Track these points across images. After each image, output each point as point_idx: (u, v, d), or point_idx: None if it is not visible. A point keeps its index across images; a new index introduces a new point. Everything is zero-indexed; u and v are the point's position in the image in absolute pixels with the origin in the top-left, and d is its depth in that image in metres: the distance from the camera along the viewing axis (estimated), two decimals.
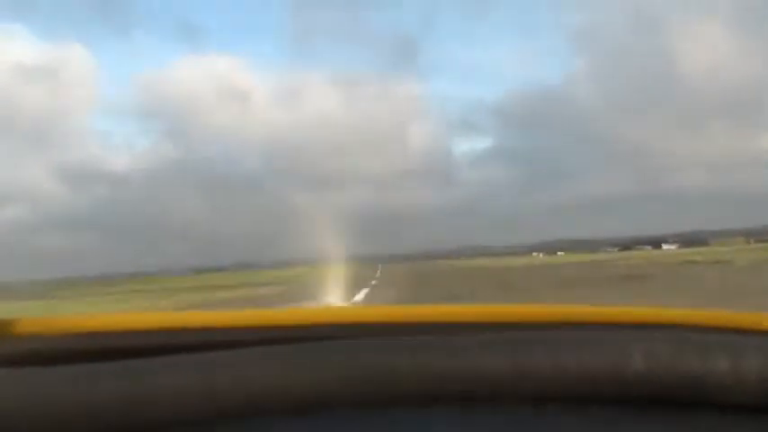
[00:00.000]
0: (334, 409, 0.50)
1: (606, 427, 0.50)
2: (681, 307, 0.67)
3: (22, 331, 0.65)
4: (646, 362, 0.49)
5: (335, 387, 0.49)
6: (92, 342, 0.64)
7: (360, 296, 14.84)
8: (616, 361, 0.49)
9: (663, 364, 0.49)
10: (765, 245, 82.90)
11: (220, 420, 0.48)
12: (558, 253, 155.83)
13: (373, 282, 23.50)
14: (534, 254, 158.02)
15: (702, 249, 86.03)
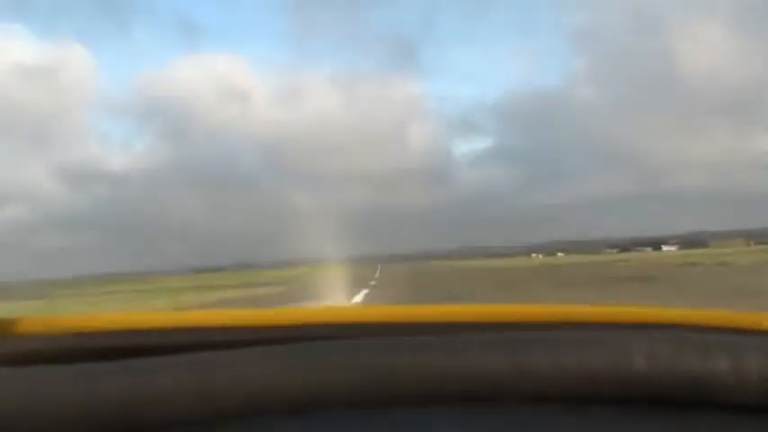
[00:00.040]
0: (333, 409, 0.50)
1: (607, 427, 0.50)
2: (681, 307, 0.67)
3: (23, 331, 0.65)
4: (646, 362, 0.49)
5: (335, 387, 0.49)
6: (92, 342, 0.64)
7: (358, 297, 14.77)
8: (616, 361, 0.49)
9: (663, 363, 0.49)
10: (766, 247, 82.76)
11: (220, 420, 0.48)
12: (558, 254, 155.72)
13: (372, 282, 23.41)
14: (533, 255, 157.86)
15: (703, 251, 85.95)
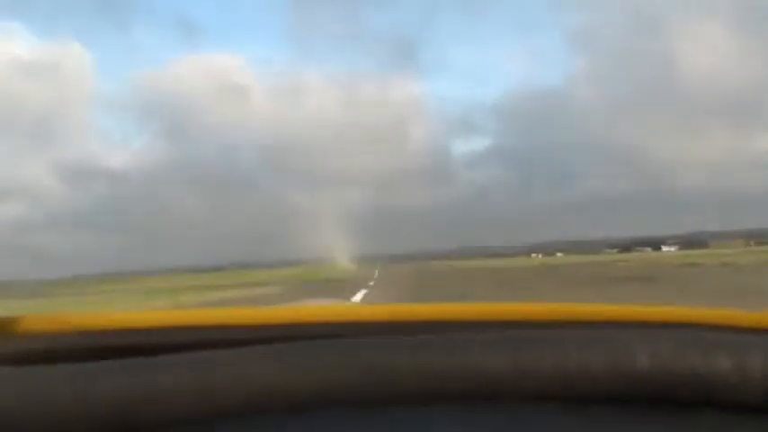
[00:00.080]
0: (333, 407, 0.50)
1: (609, 426, 0.50)
2: (684, 306, 0.67)
3: (24, 330, 0.65)
4: (648, 361, 0.49)
5: (335, 386, 0.49)
6: (92, 340, 0.64)
7: (357, 297, 14.69)
8: (618, 360, 0.49)
9: (665, 362, 0.49)
10: (767, 248, 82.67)
11: (220, 419, 0.48)
12: (557, 254, 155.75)
13: (371, 282, 23.34)
14: (533, 255, 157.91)
15: (703, 251, 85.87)
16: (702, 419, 0.50)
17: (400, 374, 0.49)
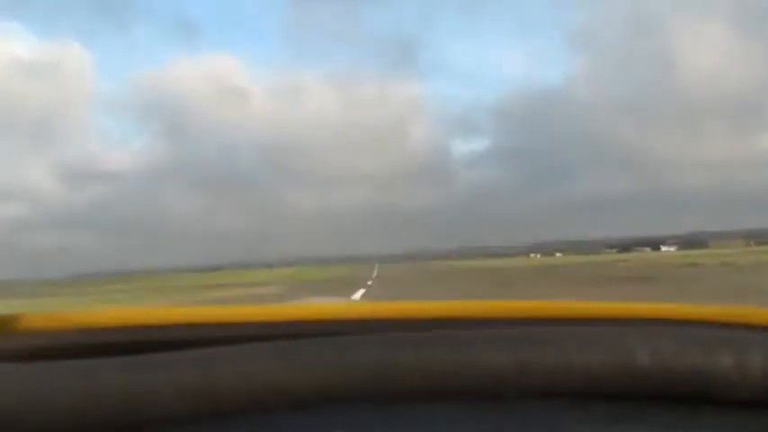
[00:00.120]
0: (336, 405, 0.50)
1: (610, 422, 0.50)
2: (684, 303, 0.67)
3: (26, 327, 0.65)
4: (649, 357, 0.49)
5: (338, 383, 0.49)
6: (95, 337, 0.64)
7: (356, 296, 14.57)
8: (620, 357, 0.49)
9: (666, 359, 0.49)
10: (767, 248, 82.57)
11: (221, 416, 0.49)
12: (556, 254, 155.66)
13: (369, 282, 23.23)
14: (532, 255, 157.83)
15: (703, 251, 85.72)
16: (703, 416, 0.50)
17: (403, 372, 0.49)
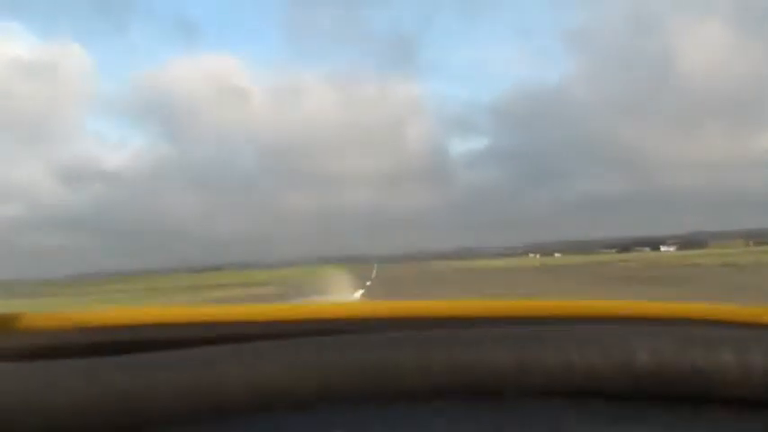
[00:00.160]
0: (338, 403, 0.50)
1: (611, 421, 0.50)
2: (685, 301, 0.67)
3: (27, 326, 0.65)
4: (650, 356, 0.49)
5: (340, 382, 0.49)
6: (95, 336, 0.64)
7: (355, 296, 14.40)
8: (621, 356, 0.49)
9: (667, 358, 0.49)
10: (766, 248, 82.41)
11: (224, 415, 0.48)
12: (555, 254, 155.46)
13: (368, 283, 23.08)
14: (531, 255, 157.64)
15: (704, 251, 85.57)
16: (704, 415, 0.50)
17: (403, 371, 0.49)
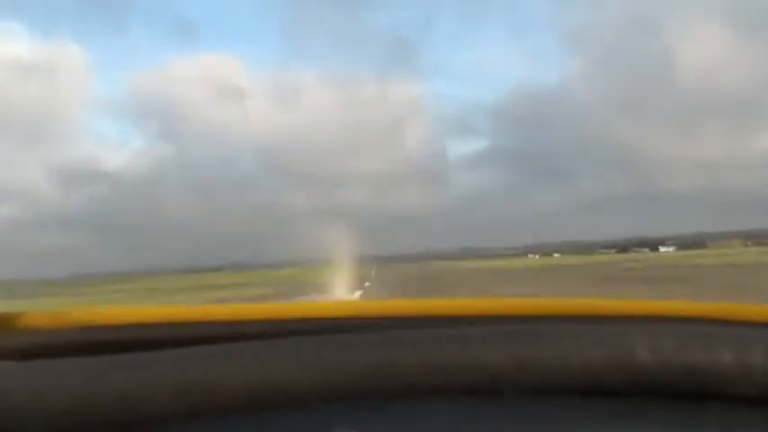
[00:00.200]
0: (337, 402, 0.50)
1: (610, 420, 0.50)
2: (684, 299, 0.68)
3: (27, 325, 0.65)
4: (649, 354, 0.49)
5: (337, 380, 0.49)
6: (95, 335, 0.64)
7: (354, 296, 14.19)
8: (619, 354, 0.49)
9: (666, 356, 0.49)
10: (766, 248, 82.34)
11: (221, 414, 0.49)
12: (555, 255, 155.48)
13: (367, 284, 22.89)
14: (530, 255, 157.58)
15: (704, 251, 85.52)
16: (703, 413, 0.50)
17: (402, 369, 0.49)
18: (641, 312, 0.64)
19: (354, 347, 0.50)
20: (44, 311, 0.67)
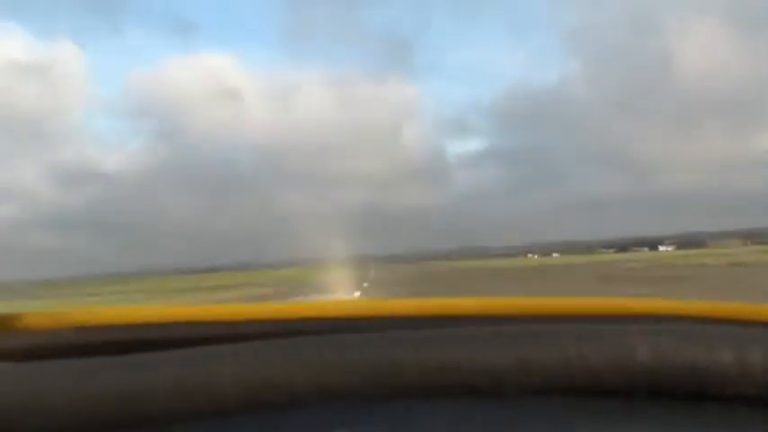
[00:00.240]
0: (335, 402, 0.49)
1: (611, 419, 0.50)
2: (685, 298, 0.67)
3: (25, 326, 0.65)
4: (650, 354, 0.49)
5: (337, 381, 0.49)
6: (94, 336, 0.64)
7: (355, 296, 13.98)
8: (620, 353, 0.49)
9: (667, 355, 0.49)
10: (765, 247, 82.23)
11: (220, 414, 0.48)
12: (554, 254, 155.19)
13: (365, 284, 22.69)
14: (529, 255, 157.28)
15: (704, 251, 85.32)
16: (703, 412, 0.50)
17: (402, 369, 0.49)
18: (641, 312, 0.64)
19: (355, 347, 0.50)
20: (42, 312, 0.66)
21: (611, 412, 0.50)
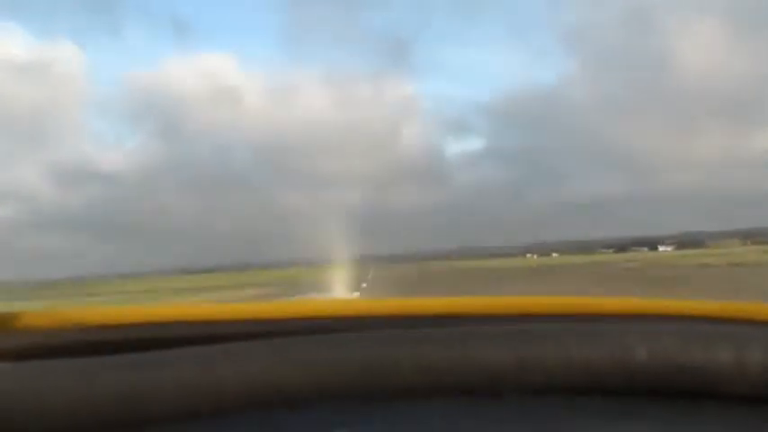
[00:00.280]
0: (333, 401, 0.50)
1: (610, 418, 0.50)
2: (684, 298, 0.68)
3: (25, 325, 0.65)
4: (649, 353, 0.49)
5: (335, 380, 0.49)
6: (94, 335, 0.64)
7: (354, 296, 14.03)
8: (619, 352, 0.49)
9: (666, 355, 0.49)
10: (765, 247, 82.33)
11: (219, 414, 0.48)
12: (553, 254, 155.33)
13: (364, 285, 22.75)
14: (528, 255, 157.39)
15: (704, 251, 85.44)
16: (702, 411, 0.50)
17: (401, 368, 0.49)
18: (641, 311, 0.64)
19: (352, 347, 0.50)
20: (42, 312, 0.66)
21: (611, 411, 0.50)
